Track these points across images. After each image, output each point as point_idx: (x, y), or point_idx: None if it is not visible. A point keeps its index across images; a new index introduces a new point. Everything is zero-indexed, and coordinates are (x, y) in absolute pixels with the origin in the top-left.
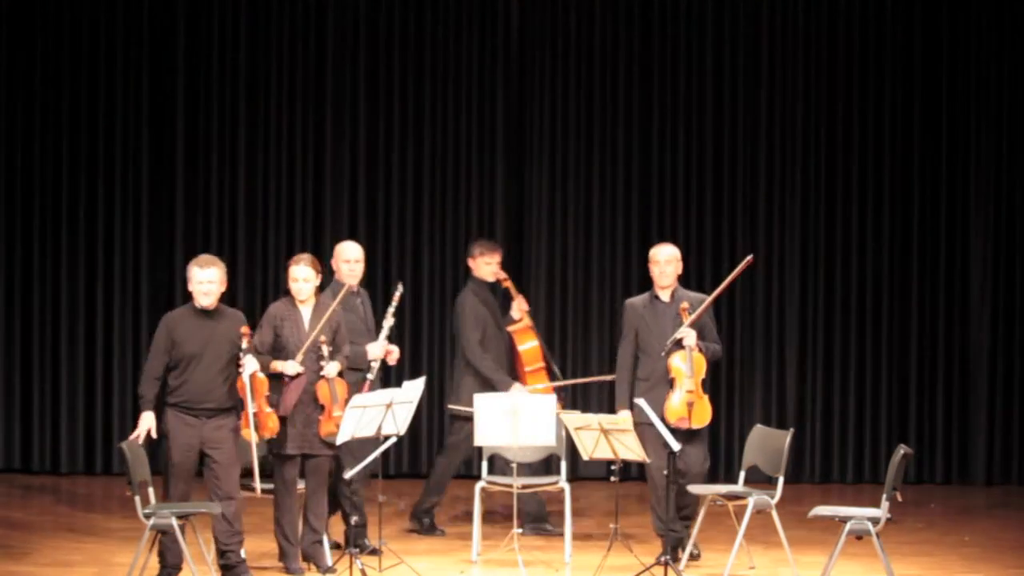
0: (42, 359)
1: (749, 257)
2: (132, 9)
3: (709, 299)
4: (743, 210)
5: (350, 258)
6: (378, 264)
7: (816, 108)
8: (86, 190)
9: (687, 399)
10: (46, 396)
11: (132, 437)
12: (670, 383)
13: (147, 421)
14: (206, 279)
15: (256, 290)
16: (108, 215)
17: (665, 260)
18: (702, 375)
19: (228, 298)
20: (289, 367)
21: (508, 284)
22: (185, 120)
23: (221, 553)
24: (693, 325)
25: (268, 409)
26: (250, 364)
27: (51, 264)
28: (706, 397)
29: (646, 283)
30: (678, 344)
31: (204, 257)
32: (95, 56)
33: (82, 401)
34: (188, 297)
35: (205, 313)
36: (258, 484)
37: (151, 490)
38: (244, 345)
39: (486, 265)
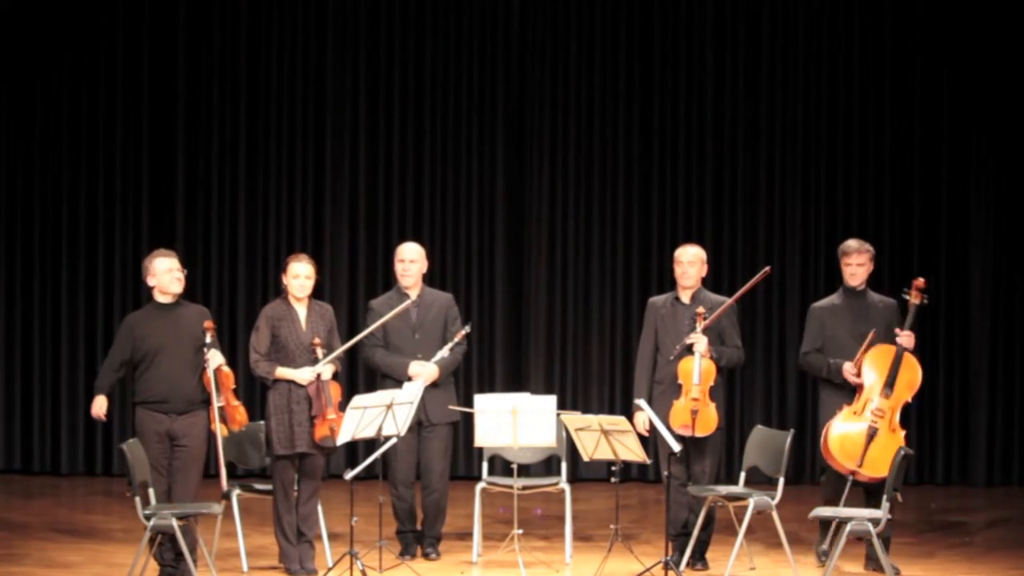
0: (42, 360)
1: (767, 268)
2: (132, 10)
3: (723, 307)
4: (743, 210)
5: (404, 258)
6: (379, 266)
7: (817, 108)
8: (86, 189)
9: (691, 406)
10: (46, 397)
11: (95, 415)
12: (678, 388)
13: (100, 403)
14: (175, 267)
15: (257, 292)
16: (108, 215)
17: (688, 261)
18: (711, 382)
19: (229, 300)
20: (302, 375)
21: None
22: (186, 121)
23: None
24: (708, 330)
25: (235, 402)
26: (215, 358)
27: (51, 264)
28: (712, 405)
29: (646, 283)
30: (689, 349)
31: (162, 250)
32: (95, 55)
33: (82, 402)
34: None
35: (167, 307)
36: (224, 481)
37: (151, 491)
38: (208, 339)
39: (845, 267)
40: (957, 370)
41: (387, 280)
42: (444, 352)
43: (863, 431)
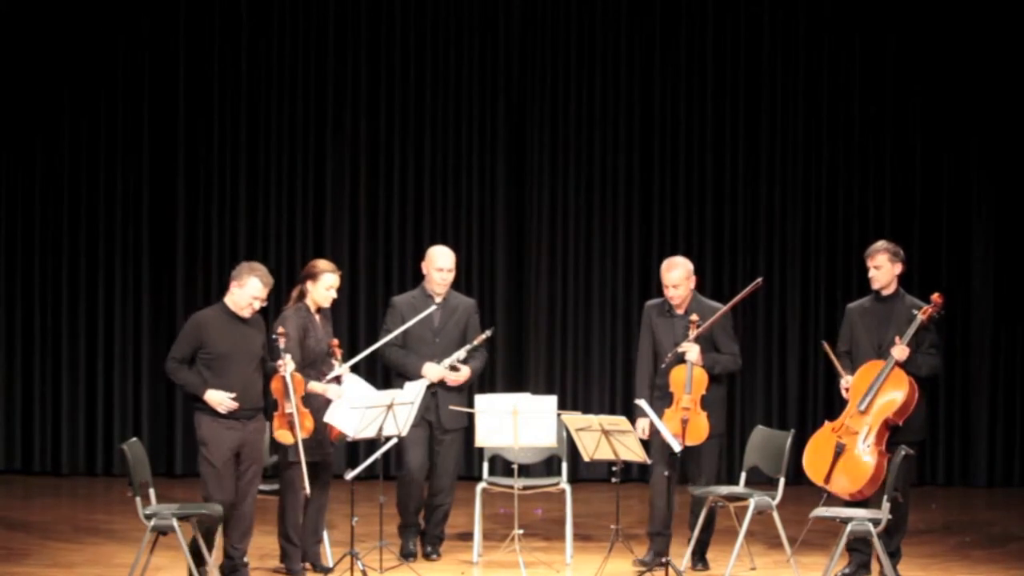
0: (43, 360)
1: (759, 280)
2: (132, 24)
3: (714, 317)
4: (744, 209)
5: (443, 267)
6: (379, 273)
7: (817, 108)
8: (87, 191)
9: (681, 415)
10: (47, 397)
11: (227, 406)
12: (670, 396)
13: (220, 396)
14: (259, 296)
15: None
16: (109, 215)
17: (673, 285)
18: (702, 391)
19: None
20: (332, 391)
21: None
22: (187, 125)
23: (228, 556)
24: (701, 338)
25: (305, 409)
26: (289, 364)
27: (52, 265)
28: (704, 414)
29: (647, 282)
30: (681, 358)
31: (259, 269)
32: (96, 63)
33: (82, 402)
34: (209, 300)
35: (234, 315)
36: (306, 483)
37: (152, 491)
38: (282, 345)
39: (869, 270)
40: (958, 370)
41: (387, 284)
42: (460, 354)
43: (832, 447)
